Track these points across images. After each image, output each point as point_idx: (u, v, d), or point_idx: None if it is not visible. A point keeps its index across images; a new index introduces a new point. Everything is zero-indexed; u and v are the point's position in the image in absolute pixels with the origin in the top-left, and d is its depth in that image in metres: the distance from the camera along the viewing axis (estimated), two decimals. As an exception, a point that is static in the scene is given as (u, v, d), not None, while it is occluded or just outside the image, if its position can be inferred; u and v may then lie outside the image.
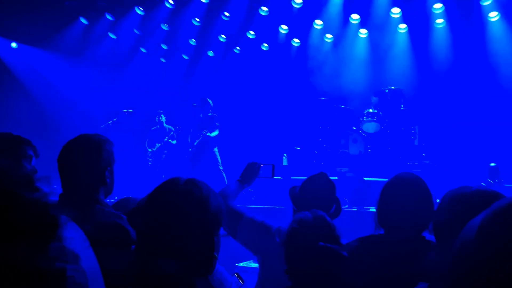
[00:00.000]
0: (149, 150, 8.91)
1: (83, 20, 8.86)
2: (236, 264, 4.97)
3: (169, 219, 1.21)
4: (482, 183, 6.27)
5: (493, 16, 8.02)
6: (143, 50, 9.70)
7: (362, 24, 8.81)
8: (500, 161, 6.92)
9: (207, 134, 7.88)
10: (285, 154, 8.45)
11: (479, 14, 8.04)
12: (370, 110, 8.05)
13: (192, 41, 9.57)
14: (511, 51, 8.06)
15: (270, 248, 2.29)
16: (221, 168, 8.07)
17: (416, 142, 8.03)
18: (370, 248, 1.96)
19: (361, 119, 8.13)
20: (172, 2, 8.42)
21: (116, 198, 2.65)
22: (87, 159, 1.88)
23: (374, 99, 8.21)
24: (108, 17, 8.79)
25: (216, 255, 1.27)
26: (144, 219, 1.25)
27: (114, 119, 8.59)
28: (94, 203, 1.84)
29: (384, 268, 1.79)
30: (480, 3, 7.87)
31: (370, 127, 7.94)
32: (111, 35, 9.16)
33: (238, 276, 2.40)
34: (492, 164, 6.32)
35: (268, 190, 6.63)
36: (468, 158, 7.89)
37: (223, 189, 2.56)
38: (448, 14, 8.13)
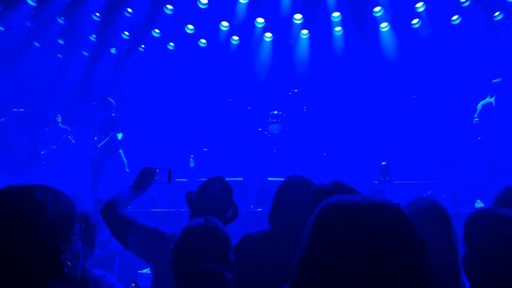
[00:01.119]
0: (42, 152, 8.23)
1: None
2: (139, 272, 4.80)
3: None
4: (375, 181, 6.78)
5: (384, 26, 8.73)
6: (36, 44, 8.92)
7: (267, 27, 9.03)
8: (391, 160, 7.55)
9: (116, 135, 7.49)
10: (192, 156, 8.35)
11: (373, 24, 8.70)
12: (275, 112, 8.31)
13: (93, 37, 9.03)
14: (399, 58, 8.86)
15: (164, 255, 2.19)
16: (127, 170, 7.74)
17: (317, 143, 8.45)
18: (257, 241, 2.06)
19: (266, 120, 8.35)
20: (68, -7, 7.86)
21: None
22: None
23: (277, 101, 8.48)
24: (-6, 6, 7.93)
25: (69, 263, 1.15)
26: None
27: (2, 119, 7.85)
28: None
29: (270, 258, 1.90)
30: (373, 14, 8.51)
31: (274, 128, 8.19)
32: (-2, 27, 8.28)
33: (136, 285, 2.29)
34: (383, 163, 6.82)
35: (173, 193, 6.49)
36: (363, 157, 8.50)
37: (114, 196, 2.42)
38: (345, 22, 8.67)
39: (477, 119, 6.80)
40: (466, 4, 7.94)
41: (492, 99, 6.65)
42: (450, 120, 8.15)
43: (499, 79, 6.62)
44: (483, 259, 1.44)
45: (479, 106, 6.77)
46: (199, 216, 2.24)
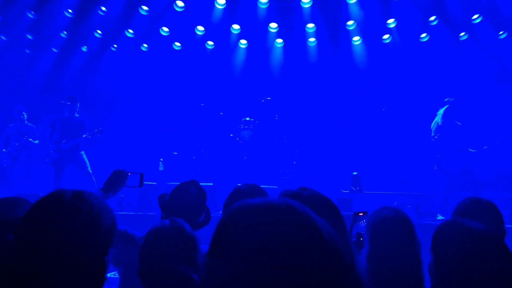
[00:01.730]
0: (4, 150, 7.92)
1: None
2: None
3: (50, 242, 1.04)
4: (343, 190, 6.91)
5: (356, 40, 8.95)
6: (3, 37, 8.62)
7: (243, 34, 9.08)
8: (360, 170, 7.71)
9: (83, 138, 7.25)
10: (161, 159, 8.25)
11: (346, 37, 8.90)
12: (247, 119, 8.34)
13: (64, 34, 8.80)
14: (369, 71, 9.10)
15: (134, 258, 2.15)
16: (90, 171, 7.53)
17: (288, 151, 8.53)
18: None
19: (238, 126, 8.37)
20: (40, -12, 7.65)
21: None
22: None
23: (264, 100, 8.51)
24: (-41, -4, 7.61)
25: (106, 276, 1.16)
26: (21, 242, 1.06)
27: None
28: None
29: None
30: (347, 27, 8.71)
31: (246, 135, 8.21)
32: (-38, 17, 7.96)
33: None
34: (355, 173, 6.94)
35: (141, 196, 6.38)
36: (333, 166, 8.64)
37: None
38: (319, 34, 8.83)
39: (435, 136, 7.04)
40: (435, 23, 8.26)
41: (440, 118, 6.89)
42: (415, 132, 8.41)
43: (451, 98, 6.89)
44: (447, 267, 1.51)
45: (433, 125, 7.02)
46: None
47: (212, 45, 9.39)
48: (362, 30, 8.70)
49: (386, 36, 8.80)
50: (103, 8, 8.20)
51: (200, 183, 5.85)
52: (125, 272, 2.27)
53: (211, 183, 6.68)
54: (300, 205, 0.86)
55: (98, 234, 1.12)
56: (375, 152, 8.49)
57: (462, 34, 8.42)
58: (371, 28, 8.54)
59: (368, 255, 1.94)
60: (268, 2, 8.12)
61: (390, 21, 8.45)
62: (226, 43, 9.18)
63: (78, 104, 7.53)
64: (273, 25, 8.81)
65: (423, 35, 8.60)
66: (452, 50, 8.48)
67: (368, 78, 9.16)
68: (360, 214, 2.22)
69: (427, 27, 8.41)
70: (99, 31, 8.84)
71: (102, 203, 1.18)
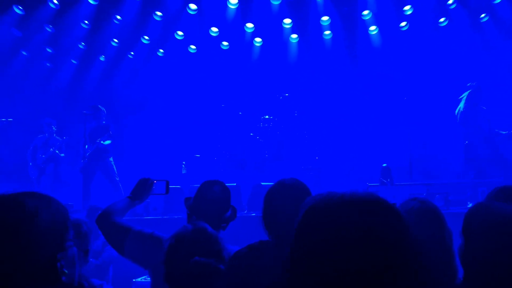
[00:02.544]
0: (30, 164, 8.11)
1: None
2: (133, 280, 4.74)
3: None
4: (368, 183, 6.79)
5: (373, 29, 8.80)
6: (24, 53, 8.83)
7: (257, 33, 9.04)
8: (384, 161, 7.58)
9: (101, 142, 7.43)
10: (184, 162, 8.30)
11: (362, 27, 8.75)
12: (266, 117, 8.31)
13: (81, 45, 8.96)
14: (388, 60, 8.94)
15: (162, 258, 2.20)
16: (117, 179, 7.65)
17: (309, 146, 8.46)
18: (257, 254, 1.96)
19: (257, 125, 8.35)
20: (56, 2, 7.78)
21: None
22: None
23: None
24: (-20, 15, 7.83)
25: (66, 270, 1.14)
26: None
27: (-10, 129, 7.73)
28: None
29: (269, 273, 1.71)
30: (362, 17, 8.57)
31: (266, 132, 8.19)
32: (-16, 36, 8.18)
33: None
34: (384, 165, 6.74)
35: (166, 200, 6.43)
36: (355, 160, 8.52)
37: (110, 206, 2.41)
38: (334, 26, 8.72)
39: (461, 124, 6.89)
40: (453, 6, 8.04)
41: (463, 103, 6.72)
42: (440, 120, 8.22)
43: (474, 83, 6.70)
44: (478, 250, 1.45)
45: (457, 111, 6.85)
46: (199, 217, 2.22)
47: (227, 45, 9.39)
48: (378, 19, 8.55)
49: (403, 24, 8.61)
50: (118, 17, 8.31)
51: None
52: (155, 274, 2.30)
53: (234, 183, 6.68)
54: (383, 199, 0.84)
55: (33, 233, 1.10)
56: (399, 143, 8.31)
57: (482, 15, 8.16)
58: (387, 16, 8.38)
59: None
60: (280, -2, 8.07)
61: (407, 7, 8.27)
62: (240, 42, 9.16)
63: (104, 111, 7.69)
64: (287, 20, 8.75)
65: (442, 19, 8.38)
66: (472, 33, 8.24)
67: (387, 67, 8.99)
68: None
69: (445, 11, 8.20)
70: (115, 40, 8.96)
71: (41, 199, 1.17)
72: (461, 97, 6.71)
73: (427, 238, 1.77)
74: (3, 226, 1.09)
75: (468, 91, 6.55)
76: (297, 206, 1.94)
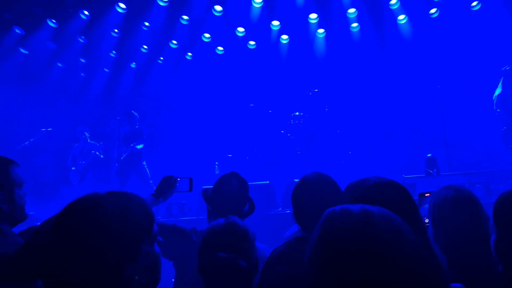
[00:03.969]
0: (73, 168, 8.43)
1: (-13, 36, 8.20)
2: (173, 280, 4.82)
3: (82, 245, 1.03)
4: (404, 175, 6.63)
5: (402, 19, 8.58)
6: (59, 64, 9.17)
7: (283, 30, 9.01)
8: (418, 153, 7.38)
9: (136, 147, 7.63)
10: (217, 163, 8.38)
11: (390, 17, 8.55)
12: (297, 113, 8.26)
13: (113, 53, 9.22)
14: (419, 50, 8.69)
15: (187, 249, 2.24)
16: (151, 182, 7.83)
17: (342, 141, 8.35)
18: (295, 249, 1.96)
19: (288, 122, 8.32)
20: (87, 13, 8.04)
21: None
22: None
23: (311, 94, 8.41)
24: (17, 31, 8.19)
25: (136, 277, 1.10)
26: (52, 246, 1.05)
27: (32, 139, 8.05)
28: None
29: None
30: (390, 7, 8.38)
31: (297, 129, 8.15)
32: (22, 50, 8.55)
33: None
34: (429, 155, 6.50)
35: (201, 200, 6.51)
36: (389, 152, 8.35)
37: None
38: (361, 18, 8.56)
39: (498, 110, 6.64)
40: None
41: (500, 88, 6.47)
42: (478, 108, 7.93)
43: (509, 66, 6.42)
44: (509, 240, 1.39)
45: (495, 97, 6.60)
46: (217, 211, 2.25)
47: (254, 44, 9.41)
48: (406, 7, 8.33)
49: (433, 10, 8.36)
50: (146, 24, 8.49)
51: (257, 182, 5.84)
52: (179, 264, 2.35)
53: (267, 181, 6.68)
54: (392, 213, 0.90)
55: (100, 244, 1.03)
56: (434, 133, 8.07)
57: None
58: (416, 4, 8.16)
59: (433, 238, 1.83)
60: (305, -6, 8.00)
61: (436, -7, 8.03)
62: (267, 41, 9.16)
63: (137, 116, 7.90)
64: (313, 15, 8.67)
65: (474, 3, 8.08)
66: (508, 15, 7.89)
67: (418, 56, 8.75)
68: (426, 195, 2.12)
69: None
70: (145, 46, 9.16)
71: (120, 203, 1.11)
72: (499, 83, 6.47)
73: (463, 227, 1.72)
74: (71, 227, 1.05)
75: (504, 75, 6.30)
76: (322, 198, 1.95)
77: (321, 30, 9.07)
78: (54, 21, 8.14)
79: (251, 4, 8.24)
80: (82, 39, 8.63)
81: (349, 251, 0.83)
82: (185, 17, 8.53)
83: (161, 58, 9.52)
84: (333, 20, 8.66)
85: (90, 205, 1.08)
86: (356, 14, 8.52)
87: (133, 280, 1.06)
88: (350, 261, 0.81)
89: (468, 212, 1.80)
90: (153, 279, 1.15)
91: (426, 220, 1.97)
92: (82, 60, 9.21)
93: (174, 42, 9.14)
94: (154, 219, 1.18)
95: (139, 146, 7.65)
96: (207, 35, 9.08)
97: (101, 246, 1.03)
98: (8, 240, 1.68)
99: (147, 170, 7.87)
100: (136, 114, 7.98)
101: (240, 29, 8.97)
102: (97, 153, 8.40)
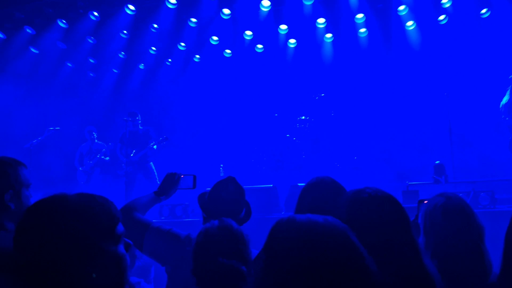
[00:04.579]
0: (80, 168, 8.52)
1: (0, 34, 8.33)
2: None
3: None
4: (408, 182, 6.60)
5: (410, 25, 8.56)
6: (69, 64, 9.29)
7: (291, 34, 9.03)
8: (425, 161, 7.34)
9: (153, 147, 7.71)
10: (221, 165, 8.42)
11: (398, 23, 8.53)
12: (303, 117, 8.28)
13: (121, 54, 9.31)
14: (427, 56, 8.66)
15: (180, 256, 2.21)
16: (158, 182, 7.88)
17: (347, 146, 8.34)
18: None
19: (294, 126, 8.34)
20: (96, 14, 8.13)
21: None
22: None
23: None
24: (28, 30, 8.31)
25: (94, 275, 1.10)
26: (15, 241, 1.10)
27: (40, 138, 8.15)
28: None
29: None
30: (398, 13, 8.36)
31: (303, 133, 8.16)
32: (33, 50, 8.68)
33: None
34: (437, 162, 6.44)
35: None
36: (394, 159, 8.31)
37: (133, 201, 2.46)
38: (369, 23, 8.56)
39: (506, 118, 6.59)
40: (495, -5, 7.70)
41: (508, 96, 6.42)
42: (484, 116, 7.87)
43: None
44: None
45: (502, 105, 6.56)
46: (213, 218, 2.25)
47: (261, 48, 9.44)
48: (415, 13, 8.31)
49: (442, 17, 8.32)
50: (155, 25, 8.56)
51: (261, 186, 5.85)
52: (172, 270, 2.32)
53: (271, 184, 6.69)
54: (339, 223, 0.97)
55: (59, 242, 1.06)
56: (439, 140, 8.04)
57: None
58: (424, 10, 8.13)
59: (424, 246, 1.83)
60: (313, -2, 8.02)
61: (445, 0, 8.00)
62: (275, 44, 9.18)
63: (140, 117, 7.97)
64: (321, 20, 8.68)
65: (483, 10, 8.04)
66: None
67: (425, 63, 8.71)
68: (425, 201, 2.13)
69: (487, 2, 7.85)
70: (153, 48, 9.24)
71: (82, 202, 1.14)
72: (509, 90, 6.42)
73: (452, 234, 1.72)
74: (30, 224, 1.09)
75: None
76: (326, 202, 1.97)
77: (328, 35, 9.07)
78: (64, 21, 8.24)
79: (259, 7, 8.28)
80: (91, 39, 8.73)
81: (289, 260, 0.88)
82: (194, 19, 8.59)
83: (169, 60, 9.59)
84: (341, 25, 8.66)
85: (52, 203, 1.13)
86: (364, 19, 8.51)
87: (89, 278, 1.06)
88: (290, 267, 0.87)
89: (458, 220, 1.80)
90: (117, 280, 1.14)
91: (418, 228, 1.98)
92: (91, 61, 9.32)
93: (182, 44, 9.20)
94: (119, 220, 1.17)
95: (155, 146, 7.75)
96: (215, 38, 9.13)
97: (56, 241, 1.06)
98: (10, 237, 1.72)
99: (155, 171, 7.93)
100: (139, 115, 8.06)
101: (248, 32, 9.01)
102: (103, 156, 8.47)
